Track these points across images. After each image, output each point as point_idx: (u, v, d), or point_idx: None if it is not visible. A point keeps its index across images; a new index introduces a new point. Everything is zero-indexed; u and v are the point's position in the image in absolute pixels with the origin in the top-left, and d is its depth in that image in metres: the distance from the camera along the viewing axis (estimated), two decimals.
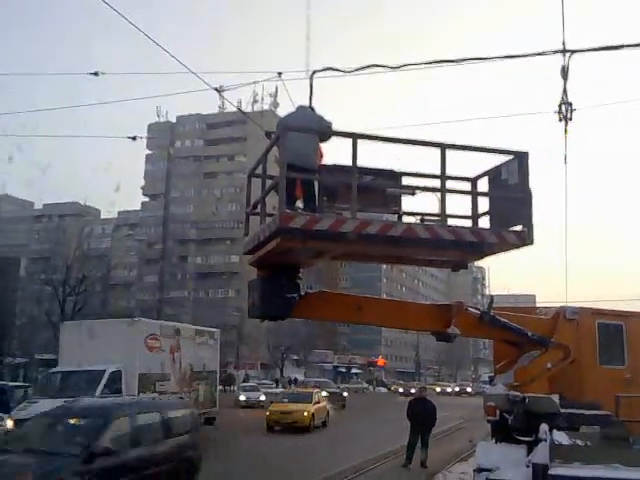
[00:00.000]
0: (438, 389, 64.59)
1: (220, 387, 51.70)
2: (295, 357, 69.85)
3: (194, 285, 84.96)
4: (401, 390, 53.55)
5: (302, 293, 7.43)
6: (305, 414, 22.00)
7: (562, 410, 7.59)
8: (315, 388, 33.11)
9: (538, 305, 11.39)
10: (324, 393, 29.54)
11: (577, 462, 6.04)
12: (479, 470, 7.06)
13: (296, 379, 61.48)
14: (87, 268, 37.32)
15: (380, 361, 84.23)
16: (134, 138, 17.75)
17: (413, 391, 50.77)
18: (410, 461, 13.66)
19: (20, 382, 29.72)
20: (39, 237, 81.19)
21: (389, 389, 67.94)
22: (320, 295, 8.01)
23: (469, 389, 66.57)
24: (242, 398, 34.25)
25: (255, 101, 75.74)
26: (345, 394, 39.87)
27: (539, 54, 8.29)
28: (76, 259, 37.59)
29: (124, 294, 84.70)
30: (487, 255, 7.38)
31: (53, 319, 35.45)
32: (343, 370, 77.52)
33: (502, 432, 8.03)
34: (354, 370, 79.78)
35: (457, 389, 67.13)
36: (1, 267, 47.57)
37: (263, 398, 33.34)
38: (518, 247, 6.96)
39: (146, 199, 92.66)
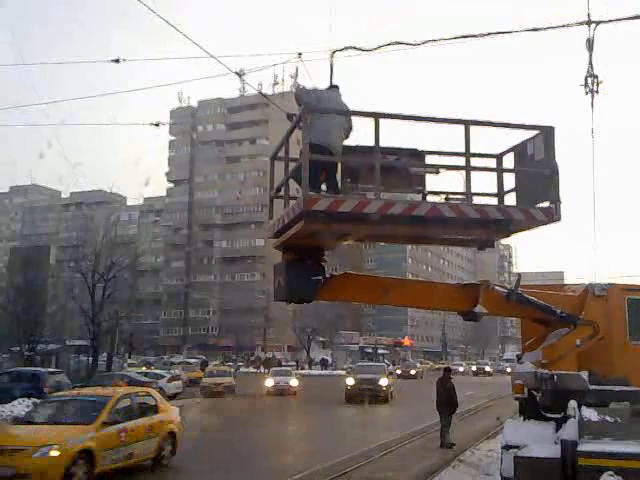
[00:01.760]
0: (465, 368, 62.76)
1: (257, 370, 52.56)
2: (321, 339, 70.23)
3: (220, 269, 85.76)
4: (399, 372, 48.96)
5: (327, 275, 7.45)
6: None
7: (591, 387, 7.54)
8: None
9: (566, 282, 11.28)
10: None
11: (607, 438, 6.02)
12: (507, 447, 7.06)
13: (325, 360, 61.84)
14: (115, 255, 37.76)
15: (406, 341, 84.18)
16: (157, 124, 17.98)
17: (413, 372, 49.59)
18: (444, 442, 13.75)
19: (53, 368, 30.46)
20: (67, 225, 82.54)
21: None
22: (345, 277, 8.03)
23: (488, 368, 63.21)
24: (269, 384, 30.78)
25: (276, 83, 75.57)
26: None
27: (563, 26, 8.13)
28: (104, 246, 38.10)
29: (152, 280, 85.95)
30: (514, 233, 7.31)
31: (84, 306, 36.11)
32: (369, 351, 77.76)
33: (530, 409, 8.01)
34: (380, 351, 79.97)
35: (474, 368, 63.21)
36: (32, 256, 48.54)
37: (295, 384, 30.39)
38: (545, 224, 6.88)
39: (171, 185, 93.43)
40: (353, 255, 71.69)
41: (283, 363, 56.74)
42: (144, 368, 38.59)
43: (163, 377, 29.31)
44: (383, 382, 25.01)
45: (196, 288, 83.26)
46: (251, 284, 78.57)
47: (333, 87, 7.16)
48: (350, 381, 25.62)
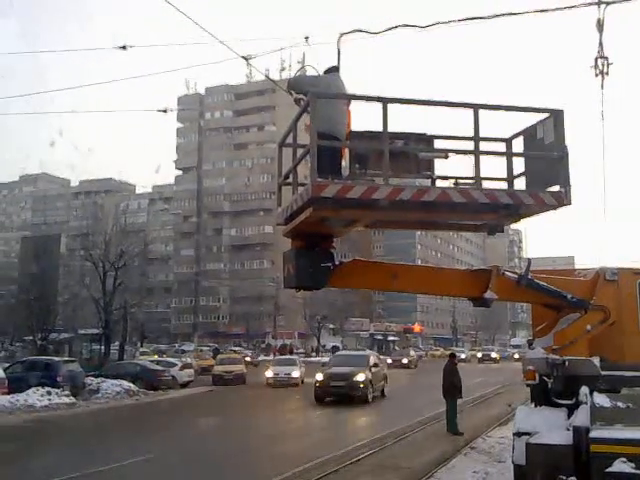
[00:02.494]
0: (463, 355, 57.82)
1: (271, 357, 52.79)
2: (331, 326, 70.46)
3: (230, 257, 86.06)
4: (390, 360, 43.56)
5: (337, 262, 7.41)
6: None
7: (603, 372, 7.49)
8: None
9: (577, 267, 11.18)
10: None
11: (619, 424, 5.97)
12: (519, 434, 7.03)
13: (336, 347, 61.94)
14: (125, 243, 37.93)
15: (416, 328, 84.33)
16: (165, 111, 17.91)
17: (405, 361, 44.72)
18: (452, 429, 13.75)
19: (65, 357, 30.75)
20: (77, 214, 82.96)
21: (425, 355, 67.76)
22: (354, 264, 7.98)
23: (494, 354, 60.23)
24: (269, 374, 28.49)
25: (283, 68, 75.09)
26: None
27: (573, 7, 7.99)
28: (114, 235, 38.31)
29: (162, 268, 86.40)
30: (524, 217, 7.23)
31: (95, 295, 36.34)
32: (380, 337, 77.92)
33: (542, 396, 7.96)
34: (391, 337, 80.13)
35: (479, 355, 59.63)
36: (43, 245, 48.96)
37: (297, 374, 28.13)
38: (555, 208, 6.79)
39: (179, 173, 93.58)
40: (362, 242, 71.69)
41: (295, 350, 57.06)
42: (156, 356, 38.91)
43: (175, 365, 29.54)
44: (360, 377, 20.01)
45: (206, 276, 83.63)
46: (260, 272, 78.79)
47: (332, 69, 7.05)
48: (319, 377, 20.76)
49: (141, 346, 47.74)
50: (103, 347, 35.17)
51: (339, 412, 18.78)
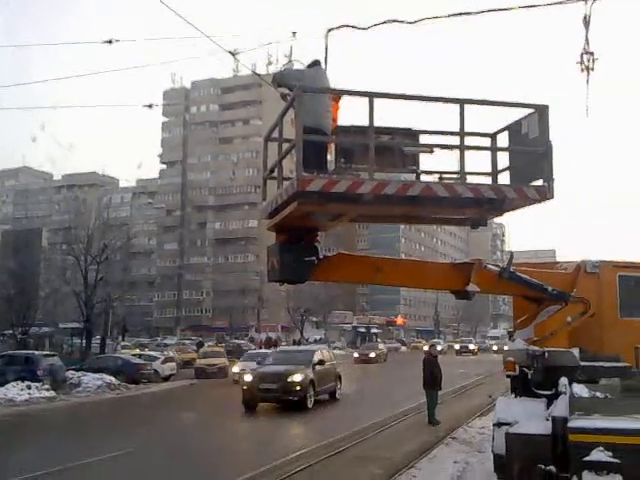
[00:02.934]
0: (426, 347, 57.90)
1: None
2: (315, 319, 70.56)
3: (214, 251, 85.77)
4: (356, 355, 42.30)
5: (321, 256, 7.47)
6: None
7: (582, 363, 7.63)
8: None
9: (558, 260, 11.35)
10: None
11: (597, 414, 6.09)
12: (499, 424, 7.14)
13: (320, 340, 61.92)
14: (108, 237, 37.64)
15: (399, 320, 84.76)
16: (150, 106, 17.85)
17: (373, 355, 41.20)
18: (432, 420, 13.89)
19: (46, 351, 30.49)
20: (59, 208, 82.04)
21: (408, 347, 68.01)
22: (339, 258, 8.05)
23: (472, 346, 58.81)
24: (236, 370, 25.19)
25: (270, 63, 74.76)
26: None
27: (560, 3, 8.09)
28: (96, 229, 37.95)
29: (145, 262, 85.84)
30: (507, 211, 7.34)
31: (76, 289, 36.06)
32: (363, 330, 78.23)
33: (522, 387, 8.09)
34: (374, 330, 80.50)
35: (457, 347, 58.21)
36: (24, 239, 48.38)
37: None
38: (538, 202, 6.90)
39: (163, 167, 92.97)
40: (346, 236, 71.77)
41: (280, 343, 56.98)
42: (138, 350, 38.71)
43: (157, 359, 29.43)
44: (296, 378, 16.44)
45: (189, 270, 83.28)
46: (244, 265, 78.63)
47: (314, 63, 7.08)
48: (247, 378, 17.40)
49: (123, 340, 47.42)
50: (84, 341, 34.93)
51: (265, 421, 15.93)
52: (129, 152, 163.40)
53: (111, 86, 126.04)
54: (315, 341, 63.08)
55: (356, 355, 42.20)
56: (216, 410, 18.66)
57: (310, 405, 16.59)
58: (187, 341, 56.96)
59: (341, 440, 11.86)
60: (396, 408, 16.33)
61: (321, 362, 18.02)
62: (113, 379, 23.88)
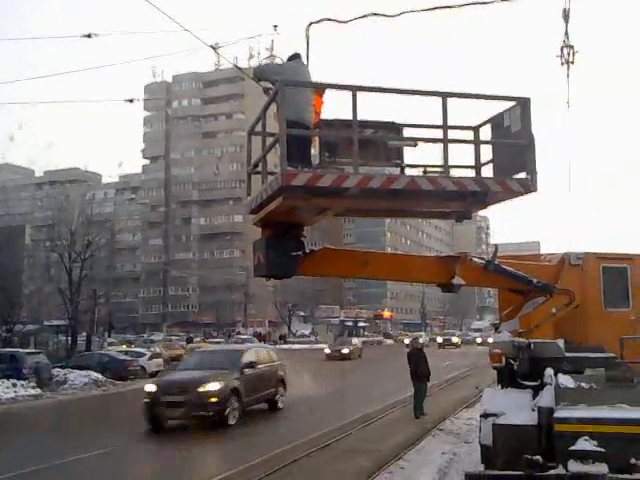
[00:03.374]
0: (407, 340, 56.83)
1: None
2: (302, 313, 70.66)
3: (199, 246, 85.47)
4: (328, 351, 38.85)
5: (307, 251, 7.47)
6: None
7: (567, 354, 7.70)
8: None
9: (542, 252, 11.44)
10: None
11: (582, 404, 6.14)
12: (485, 415, 7.19)
13: (309, 334, 61.76)
14: (91, 234, 37.38)
15: (386, 314, 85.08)
16: (131, 101, 17.75)
17: (346, 351, 37.31)
18: (418, 414, 13.96)
19: (31, 349, 30.24)
20: (42, 205, 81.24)
21: (395, 340, 68.20)
22: (325, 252, 8.05)
23: (455, 339, 57.20)
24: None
25: (251, 56, 74.39)
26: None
27: None
28: (80, 225, 37.69)
29: (130, 258, 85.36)
30: (491, 204, 7.38)
31: (61, 286, 35.79)
32: (350, 324, 78.49)
33: (508, 378, 8.15)
34: (361, 324, 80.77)
35: (440, 340, 56.03)
36: (7, 236, 47.79)
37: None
38: (522, 195, 6.95)
39: (146, 162, 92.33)
40: (332, 230, 71.85)
41: (269, 338, 57.08)
42: (124, 347, 38.51)
43: (144, 355, 29.28)
44: (211, 387, 12.78)
45: (175, 266, 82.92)
46: (230, 261, 78.47)
47: (295, 56, 7.05)
48: (149, 387, 13.46)
49: (109, 337, 47.14)
50: (70, 338, 34.69)
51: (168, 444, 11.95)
52: (111, 147, 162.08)
53: (92, 81, 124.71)
54: (302, 335, 63.02)
55: (327, 351, 38.60)
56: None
57: (233, 421, 12.79)
58: (174, 337, 56.80)
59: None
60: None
61: (251, 365, 14.24)
62: (100, 376, 23.74)
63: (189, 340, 48.05)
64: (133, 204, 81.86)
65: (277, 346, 49.10)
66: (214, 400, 12.69)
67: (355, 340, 44.17)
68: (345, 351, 38.43)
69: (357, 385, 22.19)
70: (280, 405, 15.48)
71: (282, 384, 15.85)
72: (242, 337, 52.14)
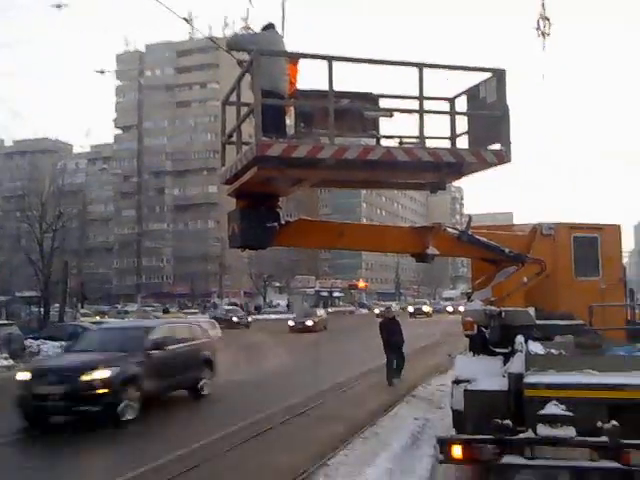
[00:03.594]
0: (377, 310, 53.02)
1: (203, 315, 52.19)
2: (277, 284, 70.82)
3: (173, 217, 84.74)
4: (291, 323, 37.14)
5: (282, 222, 7.47)
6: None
7: (537, 322, 7.88)
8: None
9: (515, 223, 11.63)
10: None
11: (551, 370, 6.30)
12: (457, 382, 7.34)
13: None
14: (63, 204, 36.80)
15: (361, 284, 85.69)
16: (102, 72, 17.26)
17: (310, 324, 35.20)
18: (391, 381, 14.19)
19: (3, 320, 29.88)
20: (12, 175, 79.40)
21: (370, 310, 68.96)
22: (300, 223, 8.07)
23: (426, 308, 56.48)
24: None
25: (226, 25, 72.86)
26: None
27: None
28: (51, 195, 37.04)
29: (103, 229, 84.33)
30: (466, 175, 7.44)
31: (32, 257, 35.30)
32: (325, 294, 78.96)
33: (479, 345, 8.33)
34: (336, 294, 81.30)
35: (411, 309, 55.38)
36: None
37: None
38: (496, 165, 7.02)
39: (119, 132, 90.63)
40: (308, 201, 71.69)
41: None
42: (98, 318, 38.28)
43: None
44: (98, 375, 10.23)
45: (149, 237, 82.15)
46: (205, 232, 78.01)
47: (269, 26, 6.96)
48: (22, 376, 10.83)
49: (82, 308, 46.77)
50: (42, 309, 34.34)
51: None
52: (83, 118, 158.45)
53: (63, 51, 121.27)
54: (278, 306, 62.97)
55: (291, 323, 36.85)
56: None
57: (131, 416, 10.31)
58: (148, 308, 56.62)
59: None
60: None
61: (161, 345, 11.59)
62: None
63: (165, 311, 48.00)
64: (105, 174, 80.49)
65: (252, 317, 49.27)
66: (103, 391, 10.10)
67: (320, 311, 42.34)
68: (309, 323, 36.85)
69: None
70: (205, 391, 12.88)
71: (208, 366, 13.27)
72: (226, 307, 51.16)
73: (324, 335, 33.83)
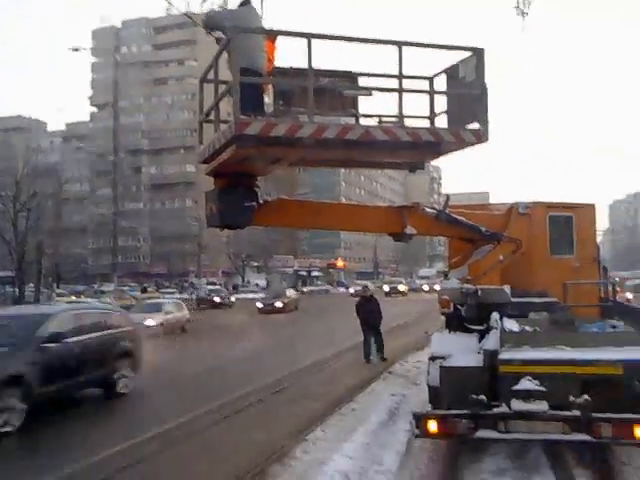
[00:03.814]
0: (352, 289, 53.35)
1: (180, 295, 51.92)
2: (256, 264, 70.69)
3: (150, 196, 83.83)
4: (259, 305, 35.88)
5: (261, 201, 7.45)
6: None
7: (512, 299, 8.01)
8: None
9: (491, 202, 11.72)
10: None
11: (526, 346, 6.43)
12: (433, 358, 7.45)
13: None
14: (37, 183, 36.28)
15: (339, 263, 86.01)
16: (77, 49, 16.88)
17: (279, 305, 33.90)
18: (369, 358, 14.31)
19: None
20: None
21: (347, 289, 69.11)
22: (279, 202, 8.05)
23: (402, 287, 54.97)
24: None
25: (204, 1, 71.48)
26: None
27: None
28: (25, 174, 36.45)
29: (78, 208, 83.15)
30: (444, 154, 7.47)
31: (6, 236, 34.79)
32: (304, 274, 79.07)
33: (456, 323, 8.47)
34: (315, 273, 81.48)
35: (387, 288, 53.30)
36: None
37: (152, 322, 21.33)
38: (474, 145, 7.06)
39: (94, 109, 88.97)
40: (286, 180, 71.31)
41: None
42: (73, 298, 37.97)
43: None
44: None
45: (125, 216, 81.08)
46: (182, 211, 77.30)
47: (245, 2, 6.87)
48: None
49: (57, 288, 46.32)
50: (17, 289, 33.95)
51: None
52: (58, 95, 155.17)
53: (37, 27, 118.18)
54: (257, 285, 62.77)
55: (259, 305, 35.36)
56: None
57: (12, 426, 8.30)
58: (125, 288, 56.27)
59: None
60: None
61: (60, 336, 9.57)
62: None
63: (144, 290, 47.73)
64: (80, 153, 79.28)
65: (231, 296, 49.14)
66: None
67: (290, 292, 40.65)
68: (278, 304, 35.23)
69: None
70: (122, 389, 10.95)
71: (128, 360, 11.32)
72: (209, 287, 50.02)
73: (292, 316, 32.59)
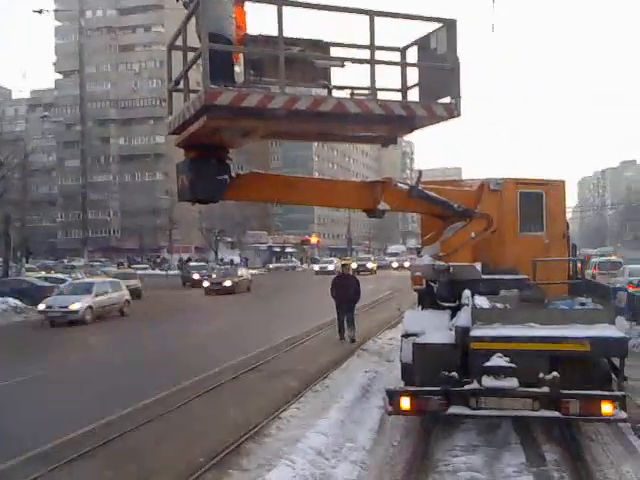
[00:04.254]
0: (316, 267, 53.40)
1: (153, 271, 51.28)
2: (229, 239, 70.19)
3: (119, 168, 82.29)
4: (206, 284, 32.81)
5: (233, 174, 7.27)
6: None
7: (484, 277, 8.02)
8: None
9: (464, 178, 11.67)
10: None
11: (496, 323, 6.46)
12: (406, 335, 7.47)
13: (232, 260, 61.24)
14: (2, 153, 35.18)
15: (313, 239, 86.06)
16: (40, 11, 16.28)
17: (228, 284, 31.10)
18: (343, 335, 14.26)
19: None
20: None
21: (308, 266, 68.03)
22: (251, 176, 7.89)
23: (370, 264, 53.04)
24: (41, 307, 20.09)
25: None
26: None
27: None
28: None
29: (45, 180, 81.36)
30: (416, 129, 7.37)
31: None
32: (277, 250, 78.88)
33: (428, 300, 8.47)
34: (289, 249, 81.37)
35: (355, 266, 46.44)
36: None
37: (77, 307, 19.41)
38: (446, 119, 6.97)
39: (59, 76, 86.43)
40: (259, 153, 70.73)
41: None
42: (44, 273, 37.28)
43: (65, 282, 28.43)
44: None
45: (94, 188, 79.52)
46: (153, 184, 76.11)
47: None
48: None
49: (27, 262, 45.41)
50: None
51: None
52: (22, 60, 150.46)
53: None
54: (232, 262, 61.96)
55: (206, 284, 32.58)
56: None
57: None
58: (96, 263, 55.47)
59: None
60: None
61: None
62: (18, 302, 23.20)
63: (119, 265, 46.90)
64: (47, 122, 77.14)
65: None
66: None
67: (242, 270, 37.02)
68: (227, 284, 31.90)
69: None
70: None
71: None
72: (191, 264, 47.10)
73: (242, 298, 29.40)
